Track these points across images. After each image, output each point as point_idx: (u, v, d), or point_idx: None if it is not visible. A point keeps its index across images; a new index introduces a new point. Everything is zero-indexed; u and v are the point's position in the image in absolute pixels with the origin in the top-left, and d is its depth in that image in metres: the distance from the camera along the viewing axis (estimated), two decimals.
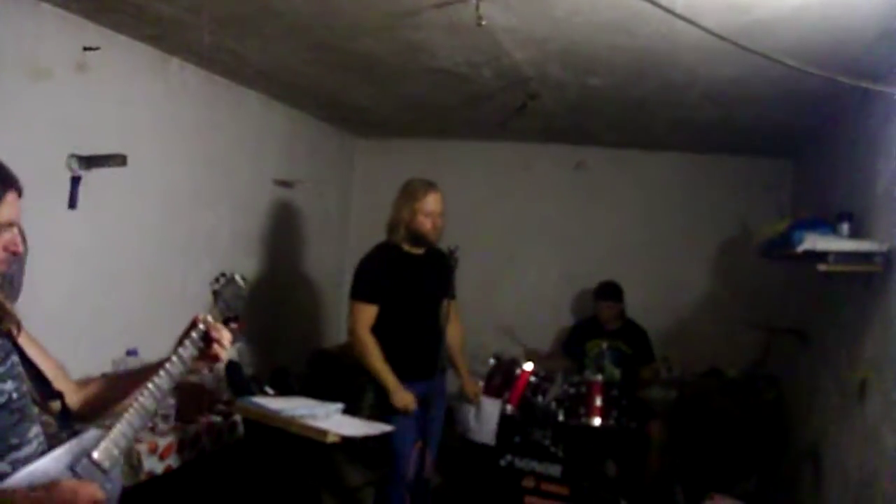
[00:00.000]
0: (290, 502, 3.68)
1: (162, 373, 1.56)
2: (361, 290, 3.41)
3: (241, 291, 1.76)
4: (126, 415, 1.52)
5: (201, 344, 1.63)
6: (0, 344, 1.48)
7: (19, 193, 1.50)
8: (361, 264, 3.48)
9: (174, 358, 1.59)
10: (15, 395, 1.46)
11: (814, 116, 3.72)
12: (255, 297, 4.30)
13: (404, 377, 3.37)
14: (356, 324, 3.37)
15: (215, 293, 1.72)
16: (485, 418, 3.83)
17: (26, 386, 1.50)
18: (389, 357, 3.37)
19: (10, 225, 1.47)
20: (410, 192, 3.41)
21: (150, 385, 1.55)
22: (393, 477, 3.39)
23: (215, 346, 1.64)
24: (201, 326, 1.63)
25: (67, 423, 1.55)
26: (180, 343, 1.62)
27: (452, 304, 3.59)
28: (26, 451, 1.44)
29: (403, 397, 3.31)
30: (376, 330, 3.38)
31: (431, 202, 3.38)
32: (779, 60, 2.42)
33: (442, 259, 3.55)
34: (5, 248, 1.47)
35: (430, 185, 3.43)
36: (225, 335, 1.66)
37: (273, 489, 3.50)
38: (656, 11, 2.28)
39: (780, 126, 4.06)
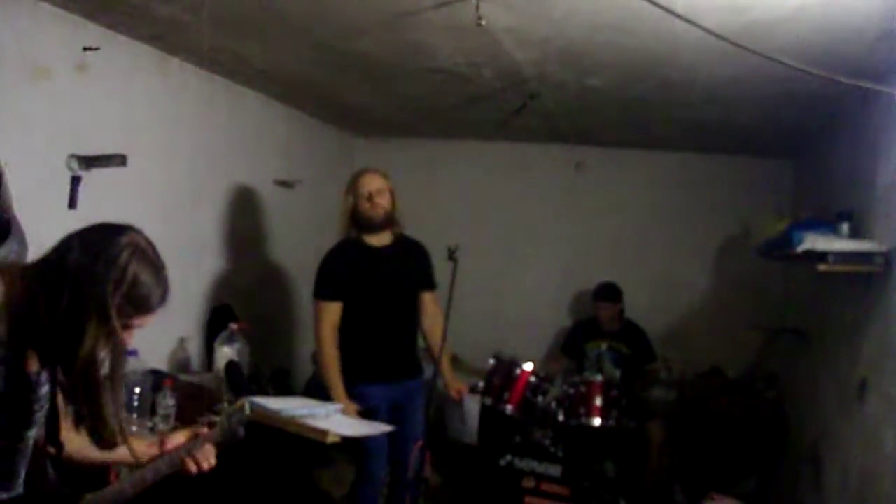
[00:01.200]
0: (288, 501, 3.68)
1: (152, 467, 1.65)
2: (321, 287, 3.26)
3: (244, 419, 1.82)
4: (104, 492, 1.58)
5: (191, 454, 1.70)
6: (46, 391, 1.49)
7: (165, 305, 1.51)
8: (322, 262, 3.33)
9: (167, 458, 1.68)
10: (30, 443, 1.48)
11: (814, 117, 3.72)
12: (255, 297, 4.31)
13: (374, 378, 3.24)
14: (318, 324, 3.24)
15: (224, 416, 1.79)
16: (468, 418, 3.77)
17: (38, 433, 1.52)
18: (358, 358, 3.22)
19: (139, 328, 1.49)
20: (347, 184, 3.32)
21: (137, 474, 1.63)
22: (362, 475, 3.31)
23: (190, 462, 1.71)
24: (198, 442, 1.71)
25: (52, 472, 1.57)
26: (177, 448, 1.70)
27: (430, 296, 3.50)
28: (13, 493, 1.46)
29: (346, 411, 3.10)
30: (343, 330, 3.24)
31: (366, 183, 3.26)
32: (779, 60, 2.42)
33: (413, 249, 3.44)
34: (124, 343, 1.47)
35: (364, 169, 3.33)
36: (208, 459, 1.73)
37: (273, 489, 3.50)
38: (656, 11, 2.28)
39: (781, 126, 4.06)
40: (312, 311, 3.31)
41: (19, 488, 1.48)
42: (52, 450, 1.56)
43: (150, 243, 1.50)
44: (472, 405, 3.76)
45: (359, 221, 3.27)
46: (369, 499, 3.32)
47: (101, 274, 1.36)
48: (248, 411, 1.81)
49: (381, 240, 3.33)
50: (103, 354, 1.39)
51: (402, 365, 3.39)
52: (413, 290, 3.45)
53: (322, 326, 3.22)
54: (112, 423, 1.43)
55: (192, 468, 1.71)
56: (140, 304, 1.43)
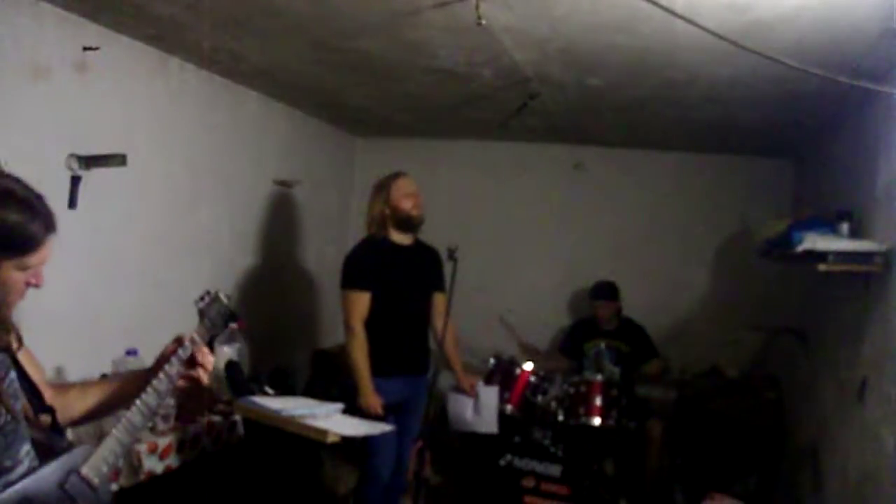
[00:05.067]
0: (288, 501, 3.68)
1: (150, 390, 1.59)
2: (352, 278, 3.36)
3: (225, 309, 1.77)
4: (115, 431, 1.54)
5: (185, 364, 1.66)
6: (0, 360, 1.47)
7: (55, 231, 1.49)
8: (350, 254, 3.46)
9: (161, 375, 1.61)
10: (9, 417, 1.45)
11: (814, 116, 3.72)
12: (255, 297, 4.31)
13: (391, 372, 3.32)
14: (350, 315, 3.33)
15: (201, 312, 1.74)
16: (484, 408, 3.80)
17: (20, 403, 1.50)
18: (378, 349, 3.30)
19: (41, 264, 1.48)
20: (381, 185, 3.44)
21: (138, 402, 1.57)
22: (368, 475, 3.34)
23: (199, 369, 1.67)
24: (188, 345, 1.65)
25: (58, 437, 1.55)
26: (166, 360, 1.64)
27: (442, 298, 3.57)
28: (18, 471, 1.44)
29: (370, 400, 3.23)
30: (365, 323, 3.32)
31: (405, 184, 3.41)
32: (779, 60, 2.42)
33: (430, 251, 3.57)
34: (28, 283, 1.47)
35: (398, 172, 3.46)
36: (208, 360, 1.68)
37: (272, 489, 3.50)
38: (656, 11, 2.28)
39: (780, 126, 4.05)
40: (341, 302, 3.40)
41: (22, 466, 1.46)
42: (46, 418, 1.55)
43: (17, 180, 1.44)
44: (488, 395, 3.80)
45: (398, 220, 3.38)
46: (375, 498, 3.33)
47: None
48: (224, 300, 1.77)
49: (405, 239, 3.45)
50: None
51: (415, 361, 3.47)
52: (430, 289, 3.57)
53: (355, 318, 3.31)
54: None
55: (199, 374, 1.67)
56: (20, 244, 1.40)
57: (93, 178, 2.95)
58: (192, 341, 1.66)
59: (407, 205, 3.38)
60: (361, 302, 3.31)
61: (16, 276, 1.43)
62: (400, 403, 3.35)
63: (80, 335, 3.02)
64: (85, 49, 2.93)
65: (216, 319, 1.75)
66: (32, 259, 1.44)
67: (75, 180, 2.90)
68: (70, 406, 1.67)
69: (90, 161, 2.93)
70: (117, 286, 3.27)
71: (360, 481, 3.41)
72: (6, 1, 2.63)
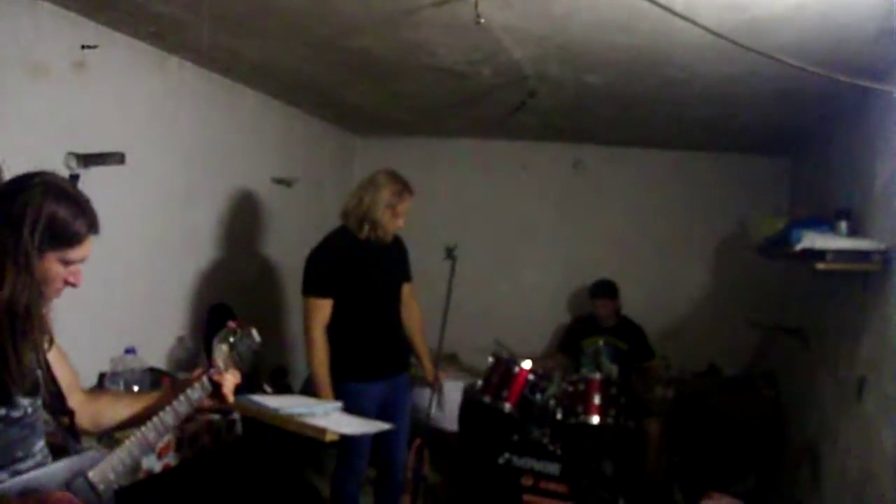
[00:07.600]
0: (288, 500, 3.68)
1: (168, 409, 1.65)
2: (312, 284, 3.19)
3: (255, 346, 1.83)
4: (127, 442, 1.59)
5: (210, 389, 1.73)
6: (30, 358, 1.51)
7: (97, 233, 1.57)
8: (310, 257, 3.26)
9: (182, 398, 1.68)
10: (30, 410, 1.50)
11: (812, 115, 3.72)
12: (253, 296, 4.30)
13: (371, 376, 3.22)
14: (310, 322, 3.16)
15: (231, 345, 1.79)
16: (448, 403, 3.76)
17: (40, 401, 1.54)
18: (355, 353, 3.19)
19: (81, 261, 1.55)
20: (394, 189, 3.23)
21: (154, 419, 1.63)
22: (343, 467, 3.28)
23: (224, 389, 1.75)
24: (212, 371, 1.73)
25: (74, 439, 1.60)
26: (189, 383, 1.71)
27: (408, 287, 3.51)
28: (29, 463, 1.49)
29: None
30: (336, 325, 3.18)
31: (408, 205, 3.27)
32: (777, 59, 2.42)
33: (397, 241, 3.44)
34: (66, 281, 1.54)
35: (411, 190, 3.29)
36: (231, 380, 1.76)
37: (272, 487, 3.50)
38: (655, 9, 2.28)
39: (779, 124, 4.06)
40: (302, 307, 3.24)
41: (33, 460, 1.50)
42: (64, 419, 1.59)
43: (69, 182, 1.57)
44: (452, 391, 3.76)
45: (375, 228, 3.23)
46: (350, 490, 3.30)
47: (16, 219, 1.42)
48: (256, 338, 1.82)
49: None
50: (25, 299, 1.44)
51: (392, 360, 3.38)
52: (399, 282, 3.46)
53: (314, 326, 3.16)
54: (29, 369, 1.45)
55: (224, 393, 1.74)
56: (65, 237, 1.48)
57: (91, 177, 2.94)
58: (217, 369, 1.73)
59: (390, 224, 3.23)
60: (322, 310, 3.15)
61: (57, 269, 1.50)
62: (382, 404, 3.26)
63: (79, 334, 3.00)
64: (83, 47, 2.92)
65: (245, 353, 1.81)
66: (74, 253, 1.51)
67: (74, 178, 2.89)
68: (101, 413, 1.74)
69: (88, 159, 2.92)
70: (115, 284, 3.27)
71: (335, 472, 3.34)
72: None
